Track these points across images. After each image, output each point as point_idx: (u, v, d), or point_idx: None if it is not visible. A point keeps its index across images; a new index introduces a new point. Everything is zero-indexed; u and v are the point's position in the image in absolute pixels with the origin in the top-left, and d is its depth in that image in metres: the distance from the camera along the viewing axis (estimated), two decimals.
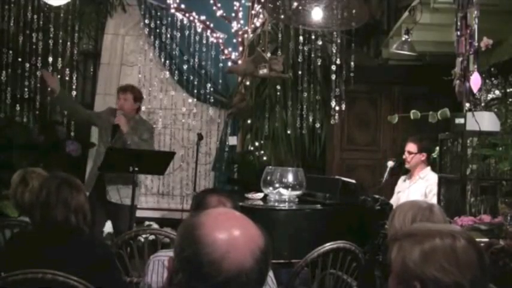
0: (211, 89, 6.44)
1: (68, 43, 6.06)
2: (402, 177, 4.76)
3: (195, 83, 6.43)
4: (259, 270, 1.15)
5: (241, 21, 6.23)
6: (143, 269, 2.48)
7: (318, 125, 6.47)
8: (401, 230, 2.09)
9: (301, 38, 5.98)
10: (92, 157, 6.21)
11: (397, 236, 1.45)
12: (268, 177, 4.08)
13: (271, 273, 2.19)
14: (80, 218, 2.28)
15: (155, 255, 2.30)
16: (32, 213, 2.31)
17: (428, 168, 4.60)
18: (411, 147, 4.57)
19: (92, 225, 4.38)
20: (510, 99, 5.17)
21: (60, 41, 6.05)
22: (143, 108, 6.61)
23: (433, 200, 4.05)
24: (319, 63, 6.22)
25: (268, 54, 5.96)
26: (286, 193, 4.02)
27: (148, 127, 4.93)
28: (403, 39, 5.26)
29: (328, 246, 3.00)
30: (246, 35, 6.23)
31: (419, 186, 4.50)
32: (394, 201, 4.53)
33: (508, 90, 5.22)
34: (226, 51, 6.29)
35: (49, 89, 4.79)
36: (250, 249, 1.14)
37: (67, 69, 6.07)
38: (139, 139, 4.65)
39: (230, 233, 1.15)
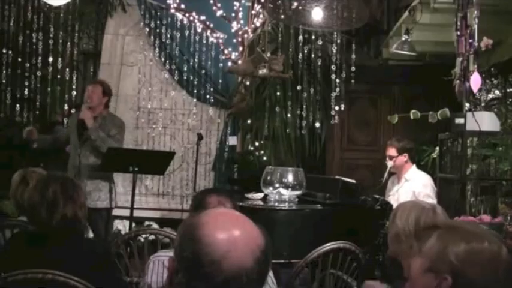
0: (211, 89, 6.43)
1: (68, 43, 6.06)
2: (391, 179, 4.75)
3: (195, 83, 6.43)
4: (260, 270, 1.15)
5: (241, 21, 6.23)
6: (143, 269, 2.48)
7: (318, 125, 6.46)
8: (405, 230, 2.09)
9: (301, 38, 5.98)
10: None
11: (437, 225, 1.44)
12: (268, 177, 4.08)
13: (271, 273, 2.19)
14: (84, 213, 2.33)
15: (155, 255, 2.30)
16: (33, 213, 2.30)
17: (413, 167, 4.58)
18: (391, 151, 4.55)
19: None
20: (510, 99, 5.18)
21: (60, 41, 6.05)
22: (143, 108, 6.66)
23: (426, 200, 4.05)
24: (319, 63, 6.23)
25: (268, 54, 5.96)
26: (286, 193, 4.01)
27: (117, 123, 4.70)
28: (403, 39, 5.26)
29: (328, 246, 3.00)
30: (246, 35, 6.23)
31: (406, 189, 4.49)
32: None
33: (508, 90, 5.23)
34: (226, 51, 6.28)
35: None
36: (251, 249, 1.14)
37: (67, 69, 6.07)
38: (106, 135, 4.48)
39: (230, 233, 1.15)
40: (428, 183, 4.44)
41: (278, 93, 6.36)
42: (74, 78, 6.12)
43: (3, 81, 5.87)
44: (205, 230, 1.15)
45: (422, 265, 1.37)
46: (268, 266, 1.18)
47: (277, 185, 4.04)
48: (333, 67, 5.86)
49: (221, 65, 6.29)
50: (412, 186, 4.45)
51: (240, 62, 6.15)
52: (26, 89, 5.97)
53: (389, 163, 4.61)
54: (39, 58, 5.92)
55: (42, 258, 2.11)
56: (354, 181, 4.28)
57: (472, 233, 1.37)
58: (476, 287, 1.30)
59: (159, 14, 6.46)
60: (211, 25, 6.27)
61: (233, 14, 6.20)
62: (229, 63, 6.21)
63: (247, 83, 6.17)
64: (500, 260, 1.32)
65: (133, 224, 4.95)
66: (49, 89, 5.97)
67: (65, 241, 2.21)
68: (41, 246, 2.19)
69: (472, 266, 1.31)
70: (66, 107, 6.18)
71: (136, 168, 4.29)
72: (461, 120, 3.84)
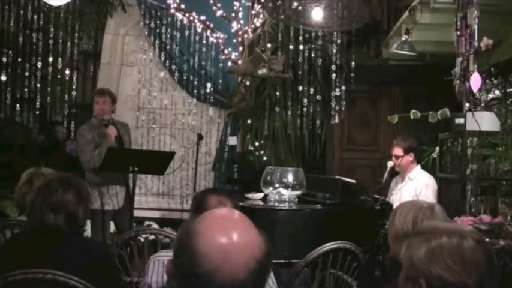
0: (211, 89, 6.44)
1: (68, 43, 6.06)
2: (395, 179, 4.76)
3: (195, 83, 6.43)
4: (254, 282, 1.13)
5: (241, 21, 6.23)
6: (143, 269, 2.48)
7: (318, 125, 6.47)
8: (403, 229, 2.09)
9: (301, 38, 5.98)
10: None
11: (407, 234, 1.45)
12: (268, 177, 4.08)
13: (271, 274, 2.19)
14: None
15: (155, 255, 2.30)
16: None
17: (418, 167, 4.58)
18: (397, 151, 4.55)
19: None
20: (510, 99, 5.18)
21: (60, 41, 6.05)
22: (143, 108, 6.66)
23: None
24: (319, 63, 6.23)
25: (268, 54, 5.96)
26: (286, 193, 4.01)
27: (127, 130, 4.84)
28: (403, 39, 5.26)
29: (328, 246, 3.00)
30: (246, 35, 6.23)
31: (409, 188, 4.49)
32: None
33: (508, 90, 5.23)
34: (226, 51, 6.29)
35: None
36: (245, 261, 1.12)
37: (67, 69, 6.07)
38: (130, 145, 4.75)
39: (225, 243, 1.13)
40: (430, 183, 4.43)
41: (278, 93, 6.36)
42: (74, 78, 6.12)
43: (3, 81, 5.86)
44: (200, 239, 1.13)
45: (402, 277, 1.42)
46: (264, 276, 1.16)
47: (277, 185, 4.03)
48: (333, 67, 5.87)
49: (221, 65, 6.29)
50: (415, 185, 4.46)
51: (240, 62, 6.15)
52: (26, 89, 5.96)
53: (390, 163, 4.61)
54: (39, 58, 5.91)
55: (42, 258, 2.11)
56: (354, 181, 4.28)
57: (432, 232, 1.39)
58: (447, 281, 1.32)
59: (159, 14, 6.46)
60: (211, 25, 6.28)
61: (233, 14, 6.20)
62: (229, 63, 6.21)
63: (247, 83, 6.16)
64: (462, 250, 1.33)
65: (134, 224, 4.95)
66: (49, 89, 5.97)
67: (61, 242, 2.20)
68: (40, 246, 2.18)
69: (436, 263, 1.33)
70: (66, 107, 6.18)
71: (136, 168, 4.29)
72: (461, 120, 3.84)
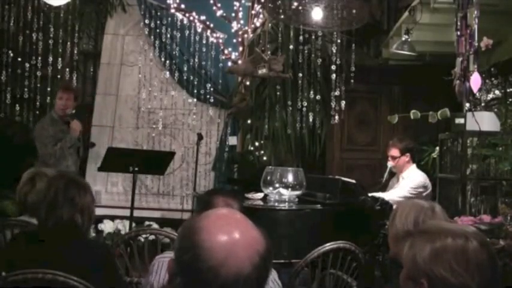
0: (211, 89, 6.44)
1: (68, 43, 6.06)
2: (393, 179, 4.77)
3: (195, 83, 6.43)
4: (258, 276, 1.14)
5: (241, 21, 6.23)
6: (143, 269, 2.48)
7: (318, 125, 6.47)
8: (403, 229, 2.09)
9: (301, 38, 5.98)
10: (93, 158, 6.22)
11: (411, 233, 1.45)
12: (268, 177, 4.08)
13: (275, 274, 2.17)
14: (86, 218, 2.28)
15: (160, 256, 2.29)
16: (35, 212, 2.31)
17: (413, 166, 4.59)
18: (393, 152, 4.56)
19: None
20: (510, 99, 5.18)
21: (60, 41, 6.06)
22: (143, 108, 6.66)
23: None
24: (319, 63, 6.23)
25: (268, 54, 5.96)
26: (286, 193, 4.01)
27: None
28: (403, 39, 5.27)
29: (328, 246, 3.00)
30: (246, 35, 6.23)
31: (402, 186, 4.51)
32: None
33: (508, 90, 5.23)
34: (226, 51, 6.28)
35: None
36: (249, 256, 1.13)
37: (67, 69, 6.07)
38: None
39: (229, 238, 1.14)
40: (418, 179, 4.45)
41: (278, 93, 6.37)
42: (74, 78, 6.13)
43: (3, 81, 5.87)
44: (204, 235, 1.14)
45: (403, 275, 1.41)
46: (267, 271, 1.17)
47: (277, 185, 4.03)
48: (333, 67, 5.87)
49: (221, 65, 6.29)
50: (406, 183, 4.48)
51: (240, 62, 6.15)
52: (26, 89, 5.97)
53: (390, 163, 4.61)
54: (39, 58, 5.92)
55: (42, 258, 2.11)
56: (354, 181, 4.28)
57: (437, 232, 1.38)
58: (450, 283, 1.31)
59: (159, 14, 6.46)
60: (211, 25, 6.27)
61: (233, 14, 6.20)
62: (229, 63, 6.21)
63: (247, 83, 6.17)
64: (467, 252, 1.33)
65: (134, 224, 4.95)
66: (49, 89, 5.98)
67: (66, 242, 2.21)
68: (41, 246, 2.18)
69: (440, 264, 1.33)
70: None
71: (136, 168, 4.29)
72: (461, 120, 3.84)
